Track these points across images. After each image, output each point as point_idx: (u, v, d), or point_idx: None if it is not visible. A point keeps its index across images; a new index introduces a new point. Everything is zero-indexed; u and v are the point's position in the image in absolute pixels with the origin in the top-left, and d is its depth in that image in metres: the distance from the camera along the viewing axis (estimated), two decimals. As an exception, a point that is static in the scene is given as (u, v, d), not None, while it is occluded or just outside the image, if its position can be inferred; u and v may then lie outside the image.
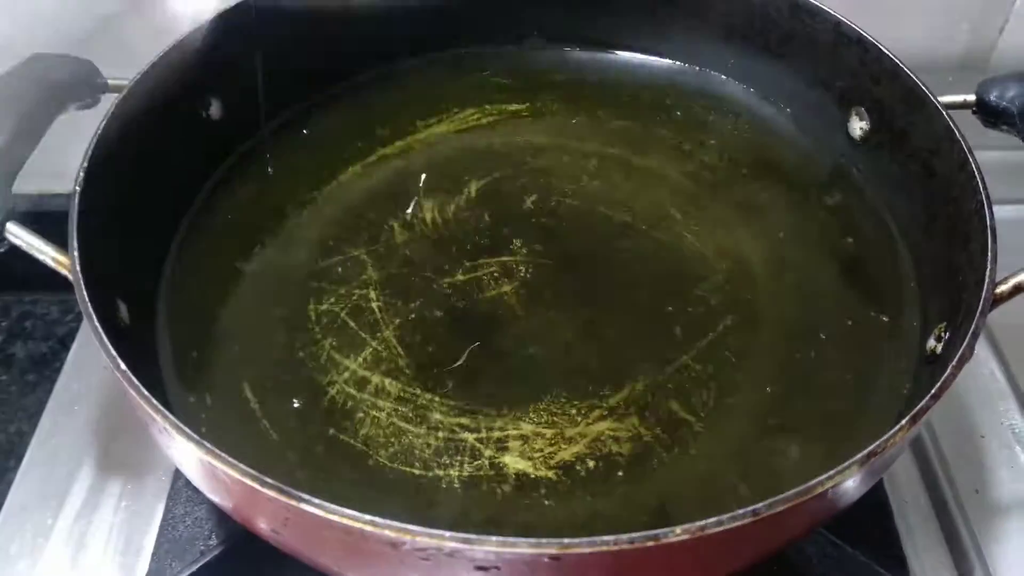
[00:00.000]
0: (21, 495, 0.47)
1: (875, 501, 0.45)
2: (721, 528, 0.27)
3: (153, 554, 0.42)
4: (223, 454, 0.28)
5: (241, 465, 0.28)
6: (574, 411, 0.41)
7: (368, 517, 0.27)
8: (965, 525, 0.45)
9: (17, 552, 0.44)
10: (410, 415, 0.40)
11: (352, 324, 0.44)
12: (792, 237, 0.48)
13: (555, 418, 0.41)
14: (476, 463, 0.39)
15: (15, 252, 0.71)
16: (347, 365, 0.42)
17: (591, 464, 0.39)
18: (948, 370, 0.32)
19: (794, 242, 0.48)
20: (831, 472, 0.29)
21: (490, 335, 0.43)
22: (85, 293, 0.33)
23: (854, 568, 0.41)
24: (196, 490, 0.44)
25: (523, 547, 0.27)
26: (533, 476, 0.38)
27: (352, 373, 0.42)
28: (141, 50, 0.44)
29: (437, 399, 0.41)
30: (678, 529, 0.27)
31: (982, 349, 0.52)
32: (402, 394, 0.41)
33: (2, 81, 0.41)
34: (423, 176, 0.51)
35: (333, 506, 0.27)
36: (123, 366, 0.31)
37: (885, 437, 0.30)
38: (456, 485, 0.38)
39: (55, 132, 0.40)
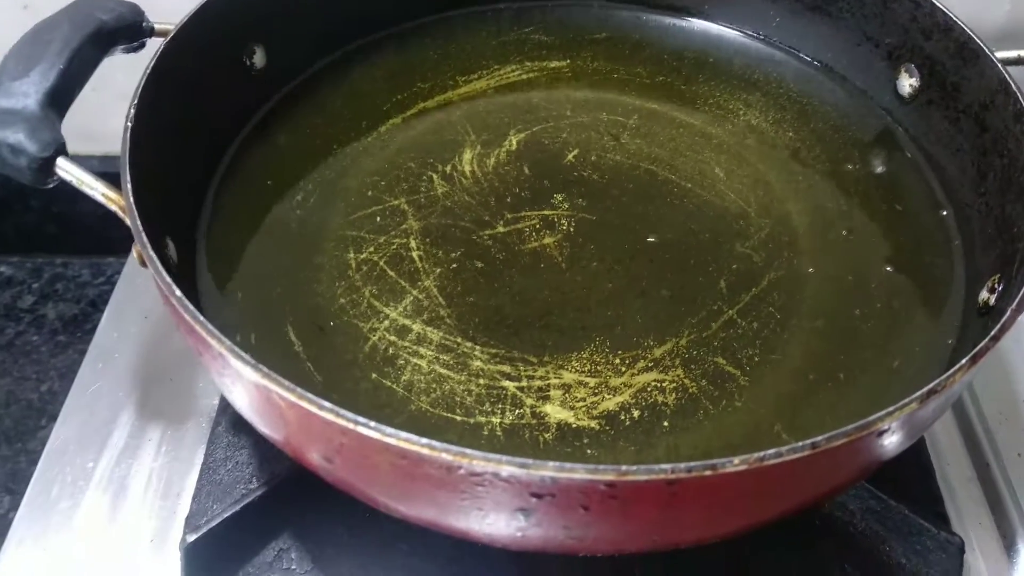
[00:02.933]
0: (62, 441, 0.47)
1: (918, 463, 0.44)
2: (780, 460, 0.27)
3: (194, 497, 0.42)
4: (280, 378, 0.28)
5: (299, 389, 0.28)
6: (618, 361, 0.40)
7: (426, 440, 0.27)
8: (1007, 487, 0.45)
9: (58, 494, 0.45)
10: (451, 363, 0.40)
11: (392, 273, 0.44)
12: (835, 196, 0.48)
13: (598, 367, 0.40)
14: (518, 411, 0.39)
15: (47, 213, 0.72)
16: (387, 313, 0.42)
17: (635, 414, 0.39)
18: (1007, 314, 0.32)
19: (838, 201, 0.48)
20: (890, 408, 0.29)
21: (531, 287, 0.43)
22: (141, 226, 0.33)
23: (897, 522, 0.40)
24: (236, 434, 0.44)
25: (580, 472, 0.27)
26: (575, 426, 0.38)
27: (393, 321, 0.42)
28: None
29: (478, 348, 0.41)
30: (736, 459, 0.27)
31: (1025, 315, 0.51)
32: (443, 342, 0.41)
33: (52, 21, 0.41)
34: (464, 128, 0.51)
35: (391, 429, 0.27)
36: (178, 292, 0.31)
37: (944, 376, 0.30)
38: (498, 432, 0.38)
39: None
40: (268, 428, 0.32)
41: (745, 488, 0.29)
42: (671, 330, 0.42)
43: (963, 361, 0.30)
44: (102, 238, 0.70)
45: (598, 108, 0.52)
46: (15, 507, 0.47)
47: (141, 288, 0.54)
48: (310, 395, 0.28)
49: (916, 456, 0.44)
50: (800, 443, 0.27)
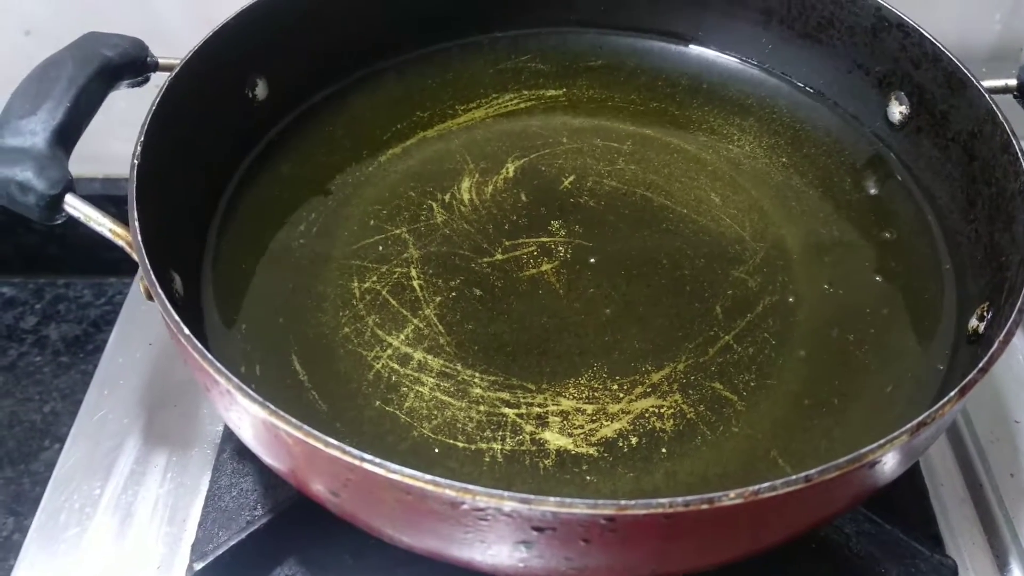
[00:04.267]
0: (69, 467, 0.48)
1: (912, 484, 0.45)
2: (775, 493, 0.28)
3: (200, 524, 0.43)
4: (288, 415, 0.29)
5: (305, 426, 0.29)
6: (616, 387, 0.41)
7: (429, 476, 0.28)
8: (1001, 508, 0.46)
9: (66, 521, 0.45)
10: (452, 390, 0.41)
11: (394, 302, 0.45)
12: (829, 221, 0.49)
13: (596, 394, 0.41)
14: (518, 438, 0.40)
15: (49, 235, 0.73)
16: (390, 341, 0.43)
17: (633, 441, 0.39)
18: (995, 345, 0.32)
19: (831, 226, 0.48)
20: (881, 441, 0.29)
21: (529, 313, 0.44)
22: (148, 262, 0.34)
23: (891, 545, 0.41)
24: (241, 461, 0.45)
25: (580, 508, 0.27)
26: (574, 452, 0.39)
27: (395, 349, 0.43)
28: (188, 32, 0.45)
29: (478, 375, 0.42)
30: (732, 493, 0.28)
31: (1016, 335, 0.52)
32: (444, 369, 0.42)
33: (58, 58, 0.42)
34: (462, 157, 0.52)
35: (396, 466, 0.28)
36: (186, 331, 0.32)
37: (934, 408, 0.30)
38: (499, 459, 0.39)
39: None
40: (275, 461, 0.33)
41: (741, 519, 0.29)
42: (668, 355, 0.42)
43: (952, 393, 0.31)
44: (104, 259, 0.71)
45: (594, 135, 0.53)
46: (19, 528, 0.47)
47: (145, 314, 0.55)
48: (316, 432, 0.29)
49: (910, 478, 0.45)
50: (794, 476, 0.28)
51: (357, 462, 0.28)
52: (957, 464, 0.48)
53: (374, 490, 0.29)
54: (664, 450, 0.39)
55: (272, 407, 0.29)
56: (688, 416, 0.40)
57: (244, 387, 0.30)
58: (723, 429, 0.40)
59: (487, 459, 0.39)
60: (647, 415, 0.40)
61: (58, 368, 0.70)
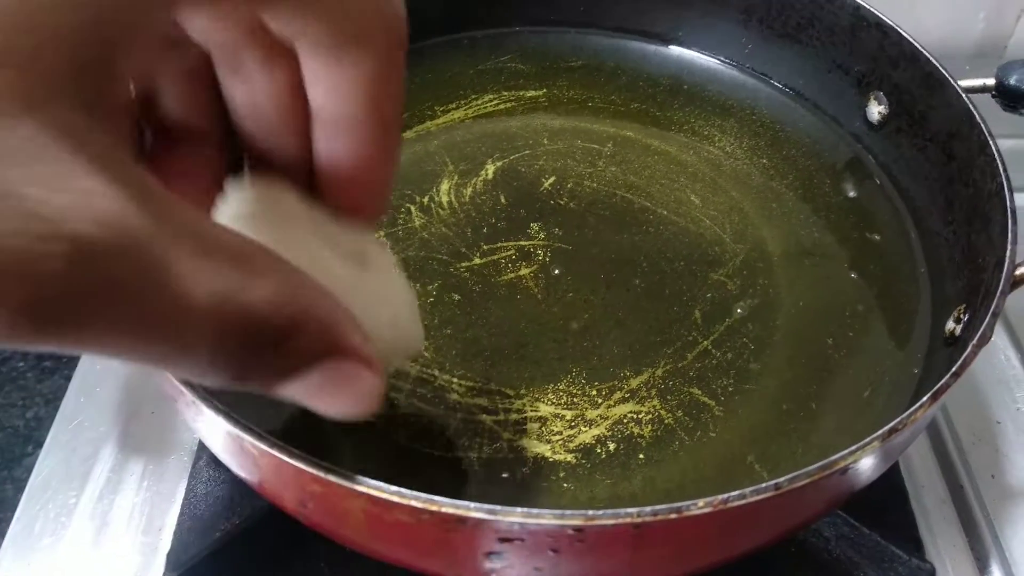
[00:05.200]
0: (44, 475, 0.47)
1: (892, 485, 0.45)
2: (744, 501, 0.28)
3: (175, 532, 0.43)
4: (252, 426, 0.29)
5: (270, 437, 0.28)
6: (594, 392, 0.41)
7: (395, 488, 0.27)
8: (981, 510, 0.46)
9: (41, 530, 0.45)
10: (429, 396, 0.41)
11: (371, 306, 0.44)
12: (808, 223, 0.48)
13: (575, 399, 0.41)
14: (495, 445, 0.39)
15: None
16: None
17: (611, 447, 0.39)
18: (968, 349, 0.32)
19: (810, 228, 0.48)
20: (852, 448, 0.29)
21: (508, 318, 0.44)
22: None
23: (870, 549, 0.41)
24: (217, 470, 0.45)
25: (548, 518, 0.27)
26: (552, 459, 0.39)
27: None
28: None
29: (455, 380, 0.41)
30: (701, 502, 0.27)
31: (998, 335, 0.52)
32: (421, 375, 0.41)
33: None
34: (441, 159, 0.51)
35: (361, 477, 0.27)
36: (151, 341, 0.31)
37: (906, 414, 0.30)
38: (476, 467, 0.38)
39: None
40: (243, 473, 0.33)
41: (711, 528, 0.29)
42: (647, 360, 0.42)
43: (924, 398, 0.31)
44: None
45: (574, 136, 0.53)
46: (3, 535, 0.47)
47: (123, 320, 0.54)
48: (281, 443, 0.28)
49: (890, 480, 0.45)
50: (764, 484, 0.28)
51: (322, 474, 0.27)
52: (938, 465, 0.48)
53: (340, 502, 0.29)
54: (642, 456, 0.39)
55: (237, 418, 0.29)
56: (666, 422, 0.40)
57: (209, 398, 0.29)
58: (701, 434, 0.39)
59: (463, 467, 0.38)
60: (625, 421, 0.40)
61: (41, 373, 0.69)
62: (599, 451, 0.39)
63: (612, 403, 0.41)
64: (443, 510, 0.27)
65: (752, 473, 0.38)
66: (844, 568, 0.41)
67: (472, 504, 0.27)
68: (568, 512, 0.27)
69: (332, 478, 0.27)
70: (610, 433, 0.40)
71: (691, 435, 0.39)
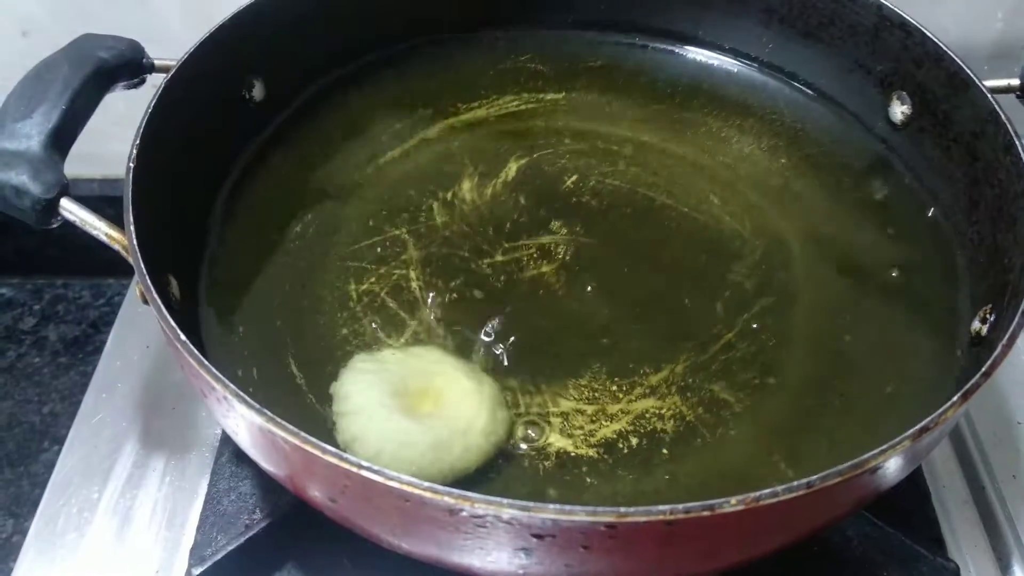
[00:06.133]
0: (66, 471, 0.47)
1: (914, 486, 0.45)
2: (776, 499, 0.28)
3: (198, 528, 0.43)
4: (285, 422, 0.29)
5: (303, 433, 0.28)
6: (615, 388, 0.41)
7: (428, 484, 0.27)
8: (1003, 510, 0.46)
9: (64, 526, 0.45)
10: (452, 393, 0.41)
11: (392, 303, 0.44)
12: (830, 221, 0.48)
13: (596, 394, 0.41)
14: (517, 439, 0.39)
15: (48, 235, 0.73)
16: (389, 343, 0.43)
17: (634, 442, 0.39)
18: (999, 348, 0.32)
19: (832, 226, 0.48)
20: (883, 447, 0.29)
21: (529, 315, 0.44)
22: (144, 266, 0.33)
23: (893, 548, 0.41)
24: (240, 466, 0.45)
25: (580, 515, 0.27)
26: (574, 454, 0.39)
27: (394, 351, 0.42)
28: (185, 34, 0.45)
29: (478, 377, 0.41)
30: (733, 500, 0.27)
31: (1020, 337, 0.52)
32: (444, 372, 0.41)
33: (53, 60, 0.41)
34: (463, 157, 0.51)
35: (394, 473, 0.27)
36: (183, 337, 0.31)
37: (937, 413, 0.30)
38: (499, 460, 0.39)
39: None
40: (272, 467, 0.33)
41: (742, 526, 0.29)
42: (667, 356, 0.42)
43: (955, 398, 0.31)
44: (102, 259, 0.70)
45: (595, 136, 0.53)
46: (19, 530, 0.47)
47: (142, 317, 0.54)
48: (313, 439, 0.28)
49: (912, 480, 0.45)
50: (796, 482, 0.28)
51: (355, 469, 0.28)
52: (959, 466, 0.47)
53: (372, 497, 0.29)
54: (665, 451, 0.39)
55: (269, 413, 0.29)
56: (687, 418, 0.40)
57: (241, 393, 0.29)
58: (723, 431, 0.39)
59: (486, 462, 0.38)
60: (647, 415, 0.40)
61: (57, 369, 0.69)
62: (621, 446, 0.39)
63: (633, 398, 0.41)
64: (476, 507, 0.27)
65: (776, 471, 0.38)
66: (868, 567, 0.41)
67: (506, 500, 0.27)
68: (601, 509, 0.27)
69: (365, 473, 0.27)
70: (632, 428, 0.40)
71: (713, 431, 0.39)
